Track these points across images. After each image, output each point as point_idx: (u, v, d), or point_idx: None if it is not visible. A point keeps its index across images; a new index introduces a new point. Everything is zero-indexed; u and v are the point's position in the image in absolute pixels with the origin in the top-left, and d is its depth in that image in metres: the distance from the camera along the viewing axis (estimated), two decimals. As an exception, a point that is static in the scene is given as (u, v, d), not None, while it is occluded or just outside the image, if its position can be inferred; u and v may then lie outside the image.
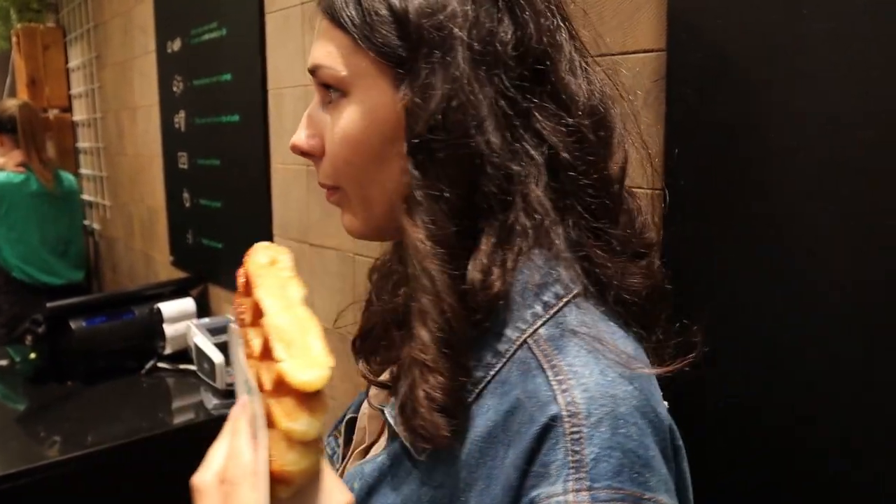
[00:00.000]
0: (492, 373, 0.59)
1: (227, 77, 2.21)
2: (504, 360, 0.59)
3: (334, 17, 0.62)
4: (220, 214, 2.39)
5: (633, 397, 0.55)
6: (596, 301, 0.61)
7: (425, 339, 0.58)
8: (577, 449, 0.53)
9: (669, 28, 0.91)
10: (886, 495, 0.76)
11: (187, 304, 2.37)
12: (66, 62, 4.18)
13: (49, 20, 4.26)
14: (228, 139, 2.25)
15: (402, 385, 0.60)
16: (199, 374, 2.15)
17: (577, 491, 0.52)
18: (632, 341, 0.61)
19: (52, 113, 4.18)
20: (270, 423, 0.50)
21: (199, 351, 2.08)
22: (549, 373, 0.56)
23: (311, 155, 0.66)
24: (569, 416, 0.53)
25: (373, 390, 0.76)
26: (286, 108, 1.93)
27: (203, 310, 2.50)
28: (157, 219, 3.06)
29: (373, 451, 0.73)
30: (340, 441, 0.83)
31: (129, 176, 3.40)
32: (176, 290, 2.48)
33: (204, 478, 0.53)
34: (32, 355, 2.26)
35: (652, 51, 0.96)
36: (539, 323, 0.58)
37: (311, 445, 0.51)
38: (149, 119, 2.99)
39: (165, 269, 2.99)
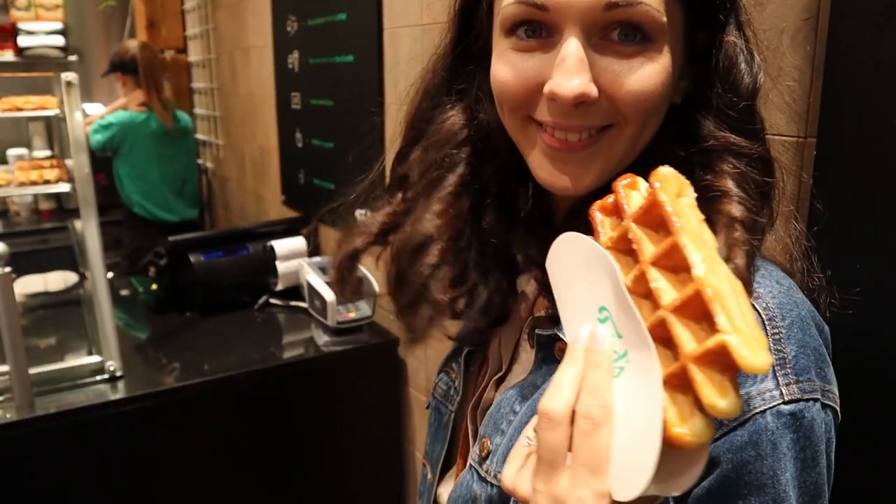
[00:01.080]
0: None
1: (342, 16, 2.20)
2: None
3: None
4: (332, 155, 2.41)
5: (805, 303, 0.63)
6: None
7: None
8: (780, 348, 0.59)
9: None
10: None
11: (299, 242, 2.42)
12: (182, 3, 4.28)
13: (166, -38, 4.36)
14: (342, 79, 2.25)
15: None
16: (311, 311, 2.21)
17: (788, 385, 0.58)
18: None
19: (169, 54, 4.31)
20: (671, 384, 0.46)
21: (312, 289, 2.13)
22: None
23: (585, 102, 0.60)
24: (768, 318, 0.60)
25: (509, 326, 0.81)
26: (402, 49, 1.91)
27: (313, 249, 2.55)
28: (269, 158, 3.12)
29: (515, 379, 0.77)
30: (455, 376, 0.89)
31: (242, 116, 3.48)
32: (287, 229, 2.54)
33: (555, 406, 0.49)
34: (154, 286, 2.38)
35: (804, -14, 0.88)
36: None
37: (713, 422, 0.47)
38: (262, 59, 3.03)
39: (276, 209, 3.06)
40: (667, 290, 0.48)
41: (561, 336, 0.66)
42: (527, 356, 0.77)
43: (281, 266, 2.34)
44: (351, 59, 2.17)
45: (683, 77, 0.66)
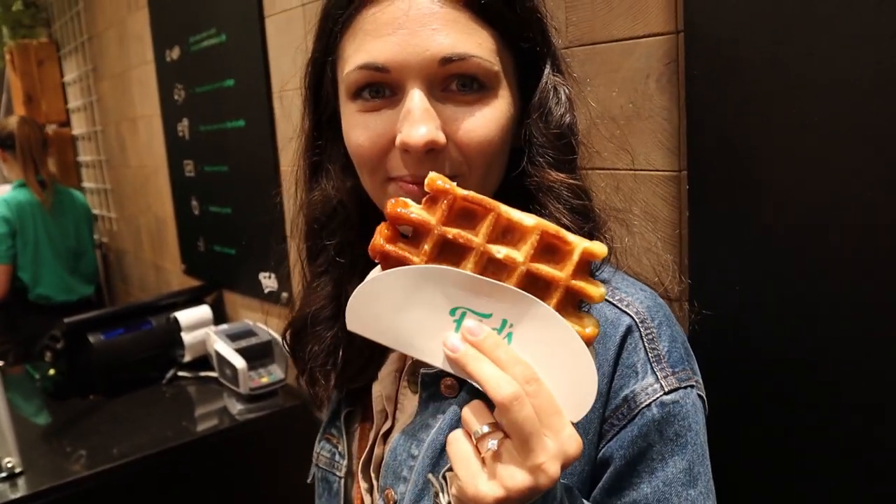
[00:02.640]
0: None
1: (230, 83, 2.20)
2: None
3: (480, 9, 0.64)
4: (230, 220, 2.40)
5: (666, 305, 0.72)
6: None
7: None
8: (654, 346, 0.68)
9: (686, 9, 0.91)
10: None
11: (203, 311, 2.37)
12: (62, 76, 4.17)
13: (42, 35, 4.24)
14: (235, 145, 2.25)
15: None
16: (222, 380, 2.16)
17: (666, 377, 0.67)
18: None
19: (51, 128, 4.17)
20: (558, 309, 0.56)
21: (221, 357, 2.08)
22: (608, 298, 0.70)
23: (435, 150, 0.64)
24: (640, 321, 0.68)
25: (385, 377, 0.81)
26: (293, 110, 1.93)
27: (219, 317, 2.50)
28: (165, 228, 3.06)
29: (401, 428, 0.77)
30: (337, 441, 0.87)
31: (134, 187, 3.39)
32: (190, 299, 2.49)
33: (511, 388, 0.53)
34: (52, 372, 2.26)
35: (663, 34, 0.96)
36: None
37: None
38: (151, 129, 2.98)
39: (177, 278, 2.99)
40: (513, 252, 0.56)
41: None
42: (409, 402, 0.78)
43: (187, 337, 2.28)
44: (242, 123, 2.18)
45: (523, 120, 0.71)
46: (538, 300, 0.55)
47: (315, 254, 0.81)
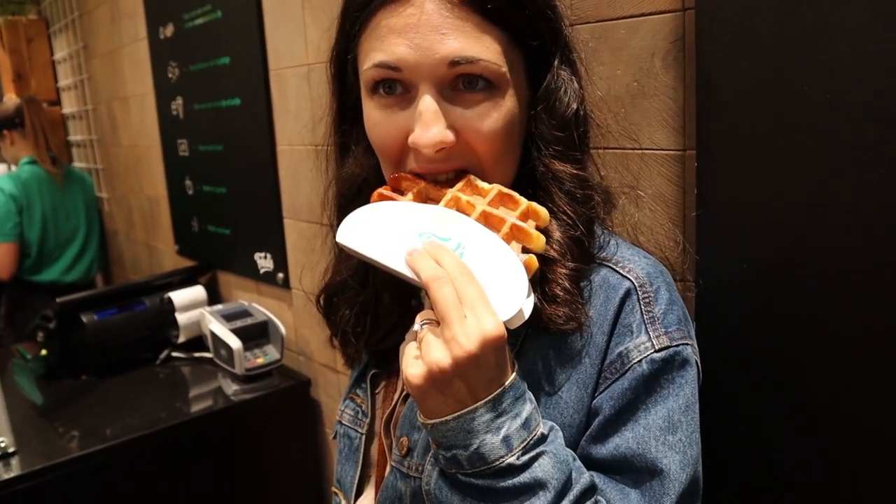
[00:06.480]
0: None
1: (226, 60, 2.17)
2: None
3: (487, 13, 0.69)
4: (225, 200, 2.37)
5: (668, 273, 0.78)
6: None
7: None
8: (650, 309, 0.73)
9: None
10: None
11: (198, 291, 2.36)
12: (52, 54, 4.12)
13: (31, 12, 4.18)
14: (230, 123, 2.22)
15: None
16: (217, 360, 2.14)
17: (658, 336, 0.72)
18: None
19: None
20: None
21: (216, 338, 2.07)
22: (610, 264, 0.77)
23: (444, 148, 0.71)
24: (639, 286, 0.74)
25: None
26: (289, 89, 1.91)
27: (213, 297, 2.48)
28: (158, 209, 3.03)
29: None
30: (361, 401, 0.95)
31: (126, 167, 3.36)
32: (184, 279, 2.47)
33: (436, 271, 0.64)
34: (44, 352, 2.24)
35: (669, 11, 0.94)
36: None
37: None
38: (143, 108, 2.95)
39: (170, 259, 2.97)
40: (476, 199, 0.73)
41: None
42: None
43: (181, 317, 2.27)
44: (238, 102, 2.15)
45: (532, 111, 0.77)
46: (487, 229, 0.69)
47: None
